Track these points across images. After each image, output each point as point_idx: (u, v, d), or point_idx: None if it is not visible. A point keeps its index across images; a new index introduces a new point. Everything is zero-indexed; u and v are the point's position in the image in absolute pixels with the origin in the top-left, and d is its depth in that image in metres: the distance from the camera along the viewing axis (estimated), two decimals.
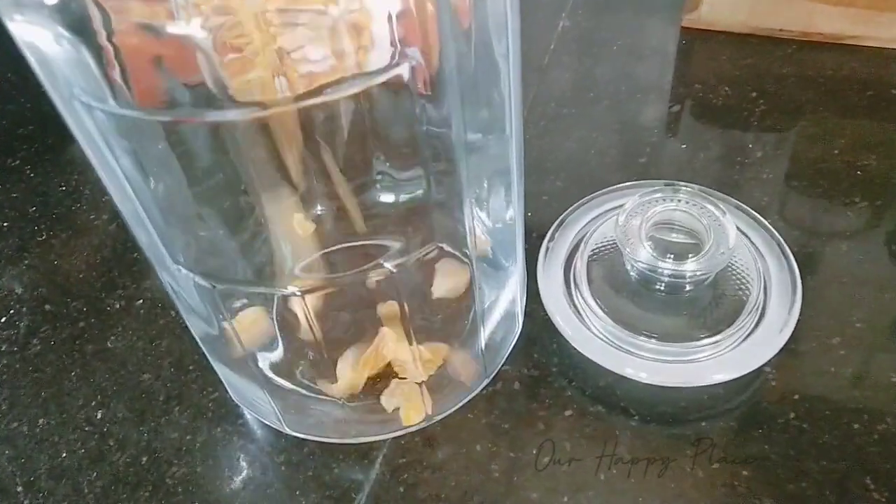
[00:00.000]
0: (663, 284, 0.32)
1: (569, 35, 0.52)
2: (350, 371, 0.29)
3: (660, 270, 0.31)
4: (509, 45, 0.25)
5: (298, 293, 0.23)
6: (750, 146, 0.42)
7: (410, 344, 0.27)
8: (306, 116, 0.29)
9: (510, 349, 0.33)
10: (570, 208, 0.37)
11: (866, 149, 0.41)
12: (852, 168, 0.40)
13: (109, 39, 0.17)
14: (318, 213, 0.33)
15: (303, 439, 0.31)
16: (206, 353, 0.31)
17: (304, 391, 0.30)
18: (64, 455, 0.32)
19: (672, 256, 0.32)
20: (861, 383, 0.31)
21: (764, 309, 0.32)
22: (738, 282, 0.33)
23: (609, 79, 0.48)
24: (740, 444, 0.30)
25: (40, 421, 0.34)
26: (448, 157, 0.25)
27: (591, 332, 0.32)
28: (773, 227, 0.35)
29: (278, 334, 0.28)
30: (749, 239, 0.34)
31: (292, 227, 0.26)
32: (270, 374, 0.29)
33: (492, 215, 0.30)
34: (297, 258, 0.25)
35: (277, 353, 0.29)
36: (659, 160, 0.42)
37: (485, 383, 0.32)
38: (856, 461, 0.29)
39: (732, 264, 0.33)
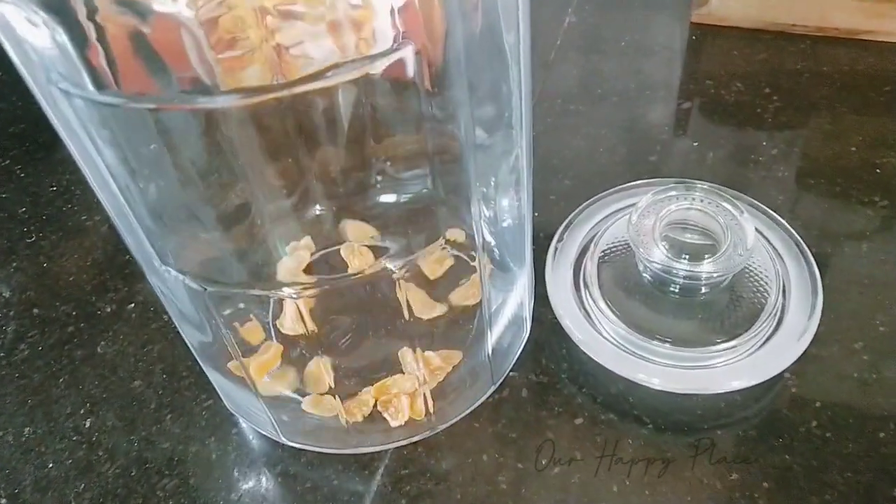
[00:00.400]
0: (678, 286, 0.31)
1: (575, 31, 0.50)
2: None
3: (674, 271, 0.30)
4: (520, 36, 0.23)
5: (294, 296, 0.21)
6: (764, 144, 0.41)
7: (414, 350, 0.26)
8: (305, 112, 0.28)
9: (517, 355, 0.32)
10: (579, 208, 0.36)
11: (885, 146, 0.40)
12: (871, 166, 0.39)
13: (90, 18, 0.16)
14: (317, 213, 0.32)
15: (300, 449, 0.30)
16: (197, 358, 0.29)
17: (301, 399, 0.28)
18: (50, 465, 0.31)
19: (687, 257, 0.30)
20: (886, 389, 0.30)
21: (783, 313, 0.31)
22: (755, 284, 0.31)
23: (617, 75, 0.46)
24: (760, 454, 0.29)
25: (26, 430, 0.32)
26: (453, 155, 0.24)
27: (601, 337, 0.31)
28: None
29: (274, 340, 0.26)
30: (766, 239, 0.33)
31: (289, 227, 0.25)
32: (266, 382, 0.28)
33: (499, 215, 0.29)
34: (293, 259, 0.24)
35: (271, 358, 0.27)
36: (670, 158, 0.41)
37: (491, 390, 0.30)
38: (882, 471, 0.28)
39: (750, 266, 0.32)
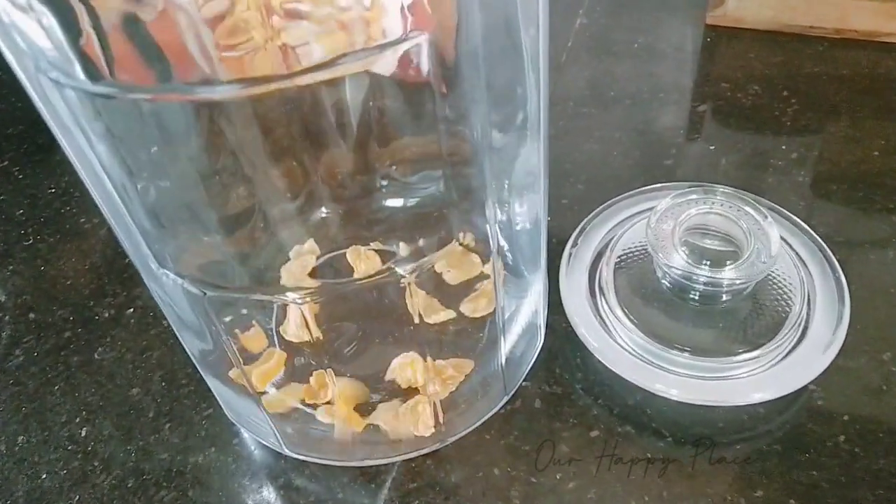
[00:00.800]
0: (698, 293, 0.30)
1: (587, 32, 0.49)
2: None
3: (695, 278, 0.29)
4: (540, 32, 0.22)
5: (299, 301, 0.20)
6: (783, 147, 0.39)
7: (424, 359, 0.25)
8: (312, 113, 0.27)
9: (531, 364, 0.31)
10: (594, 212, 0.34)
11: None
12: (893, 171, 0.37)
13: (82, 0, 0.14)
14: (323, 215, 0.30)
15: (304, 461, 0.29)
16: (197, 366, 0.28)
17: (305, 409, 0.27)
18: (44, 476, 0.30)
19: (708, 263, 0.29)
20: None
21: (808, 323, 0.30)
22: (778, 292, 0.30)
23: (630, 77, 0.45)
24: (785, 469, 0.27)
25: (20, 439, 0.31)
26: (466, 158, 0.23)
27: (618, 345, 0.30)
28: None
29: (277, 348, 0.25)
30: (789, 245, 0.32)
31: (293, 231, 0.24)
32: (268, 391, 0.27)
33: (513, 219, 0.28)
34: (297, 263, 0.23)
35: (273, 367, 0.26)
36: (686, 162, 0.40)
37: (504, 401, 0.29)
38: None
39: (773, 273, 0.30)
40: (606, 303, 0.31)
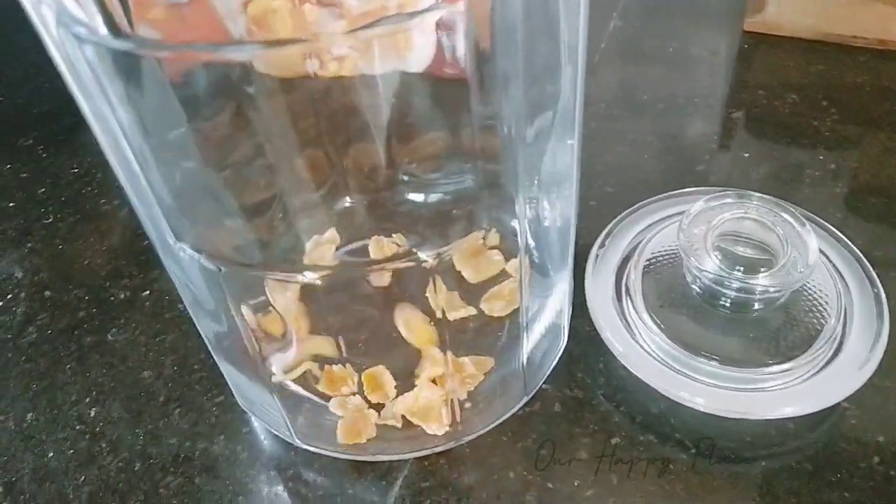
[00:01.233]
0: (729, 300, 0.29)
1: (620, 35, 0.48)
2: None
3: (727, 283, 0.28)
4: (580, 25, 0.21)
5: (318, 282, 0.19)
6: (820, 158, 0.38)
7: (444, 353, 0.24)
8: (343, 104, 0.26)
9: (552, 367, 0.30)
10: (623, 213, 0.33)
11: None
12: None
13: None
14: (346, 205, 0.30)
15: (315, 453, 0.28)
16: (211, 351, 0.28)
17: (318, 399, 0.26)
18: (51, 455, 0.29)
19: (741, 269, 0.28)
20: None
21: (843, 338, 0.28)
22: (813, 304, 0.29)
23: (663, 81, 0.44)
24: (815, 489, 0.26)
25: (28, 416, 0.31)
26: (496, 153, 0.22)
27: (643, 351, 0.28)
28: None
29: (292, 333, 0.24)
30: (826, 257, 0.30)
31: (315, 220, 0.23)
32: (282, 379, 0.26)
33: (541, 216, 0.27)
34: (317, 251, 0.22)
35: (290, 355, 0.25)
36: (719, 168, 0.38)
37: (523, 402, 0.28)
38: None
39: (808, 284, 0.29)
40: (633, 307, 0.30)
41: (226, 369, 0.28)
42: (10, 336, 0.34)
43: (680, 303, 0.29)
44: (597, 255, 0.32)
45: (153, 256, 0.37)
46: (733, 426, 0.28)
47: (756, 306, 0.29)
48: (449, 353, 0.24)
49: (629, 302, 0.30)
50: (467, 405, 0.27)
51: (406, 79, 0.24)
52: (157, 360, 0.32)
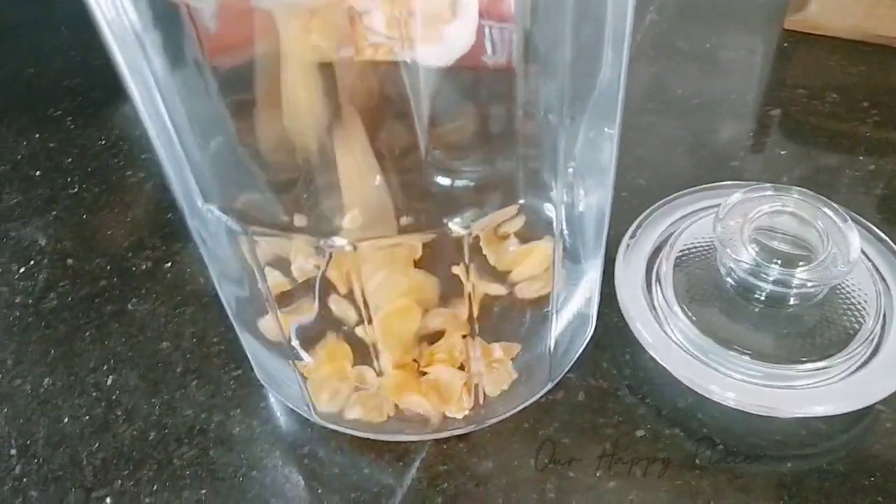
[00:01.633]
0: (764, 294, 0.28)
1: (656, 29, 0.48)
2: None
3: (764, 276, 0.27)
4: (627, 15, 0.21)
5: (350, 247, 0.19)
6: (860, 159, 0.37)
7: (472, 336, 0.23)
8: (378, 89, 0.26)
9: (577, 355, 0.29)
10: (656, 205, 0.33)
11: None
12: None
13: None
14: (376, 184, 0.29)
15: (332, 431, 0.27)
16: (233, 320, 0.27)
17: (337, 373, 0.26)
18: (66, 420, 0.29)
19: (779, 262, 0.27)
20: None
21: (881, 340, 0.27)
22: (851, 303, 0.28)
23: (699, 76, 0.43)
24: (847, 492, 0.25)
25: (45, 381, 0.30)
26: (531, 138, 0.22)
27: (672, 342, 0.28)
28: None
29: (317, 302, 0.24)
30: (866, 256, 0.29)
31: (354, 168, 0.22)
32: (304, 352, 0.26)
33: (576, 201, 0.26)
34: (352, 206, 0.21)
35: (314, 327, 0.25)
36: (753, 165, 0.38)
37: (547, 389, 0.28)
38: None
39: (846, 282, 0.28)
40: (664, 298, 0.29)
41: (246, 340, 0.27)
42: (30, 301, 0.34)
43: (712, 295, 0.29)
44: (627, 245, 0.31)
45: (177, 229, 0.36)
46: (763, 424, 0.27)
47: (791, 301, 0.28)
48: (478, 338, 0.24)
49: (659, 293, 0.29)
50: (489, 388, 0.26)
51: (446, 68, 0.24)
52: (177, 332, 0.32)
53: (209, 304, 0.32)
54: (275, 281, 0.22)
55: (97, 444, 0.28)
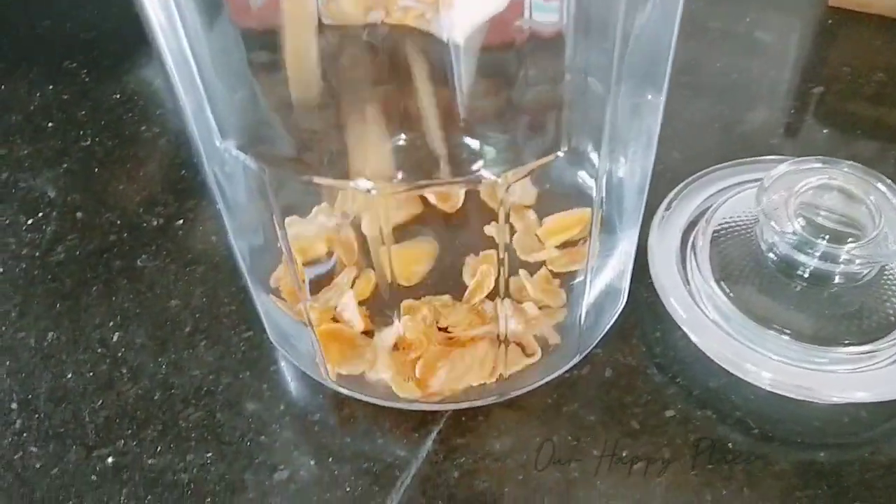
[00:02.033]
0: (808, 271, 0.26)
1: (694, 4, 0.46)
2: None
3: (809, 251, 0.25)
4: None
5: (374, 191, 0.18)
6: None
7: (502, 297, 0.22)
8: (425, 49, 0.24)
9: (606, 330, 0.27)
10: (693, 177, 0.31)
11: None
12: None
13: None
14: (401, 143, 0.28)
15: (346, 397, 0.26)
16: (246, 275, 0.26)
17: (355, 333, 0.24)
18: (69, 376, 0.28)
19: (826, 237, 0.25)
20: None
21: None
22: None
23: (740, 51, 0.41)
24: (891, 486, 0.24)
25: (49, 335, 0.29)
26: (572, 107, 0.20)
27: (707, 319, 0.26)
28: None
29: (336, 254, 0.22)
30: None
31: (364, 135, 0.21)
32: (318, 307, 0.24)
33: (614, 171, 0.25)
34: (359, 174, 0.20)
35: (330, 280, 0.23)
36: (794, 142, 0.36)
37: (574, 362, 0.26)
38: None
39: (894, 265, 0.27)
40: (700, 273, 0.27)
41: (259, 297, 0.26)
42: (37, 254, 0.32)
43: (751, 272, 0.27)
44: (662, 217, 0.29)
45: (190, 186, 0.35)
46: (800, 409, 0.26)
47: (836, 280, 0.26)
48: (506, 300, 0.22)
49: (695, 268, 0.27)
50: (515, 356, 0.25)
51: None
52: (186, 290, 0.30)
53: (221, 263, 0.31)
54: (293, 232, 0.21)
55: (100, 402, 0.27)
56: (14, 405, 0.27)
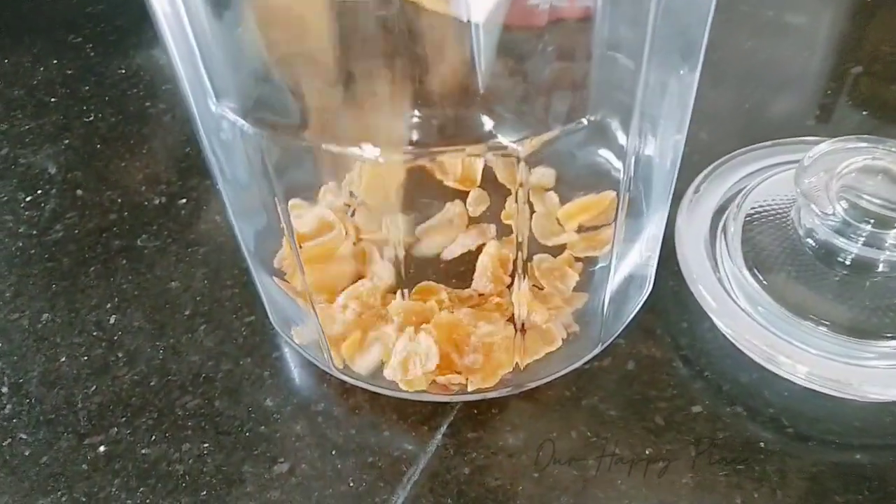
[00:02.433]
0: (850, 259, 0.24)
1: None
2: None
3: (853, 236, 0.23)
4: None
5: (381, 159, 0.16)
6: None
7: (518, 277, 0.20)
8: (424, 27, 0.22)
9: (628, 320, 0.26)
10: (723, 158, 0.29)
11: None
12: None
13: None
14: (415, 120, 0.26)
15: (352, 387, 0.25)
16: (246, 255, 0.24)
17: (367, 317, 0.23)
18: (63, 360, 0.27)
19: (871, 221, 0.24)
20: None
21: None
22: None
23: (772, 28, 0.39)
24: None
25: (44, 316, 0.28)
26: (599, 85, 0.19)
27: (738, 308, 0.24)
28: None
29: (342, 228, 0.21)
30: None
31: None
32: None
33: (642, 150, 0.23)
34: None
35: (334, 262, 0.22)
36: (831, 124, 0.34)
37: (594, 353, 0.24)
38: None
39: None
40: (731, 259, 0.25)
41: (261, 279, 0.24)
42: (34, 232, 0.31)
43: (787, 259, 0.25)
44: (691, 201, 0.27)
45: (195, 164, 0.34)
46: (838, 408, 0.24)
47: (880, 268, 0.24)
48: (527, 280, 0.21)
49: (726, 254, 0.26)
50: (532, 346, 0.23)
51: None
52: (187, 272, 0.29)
53: (224, 244, 0.30)
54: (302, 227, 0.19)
55: (94, 388, 0.26)
56: (5, 388, 0.26)
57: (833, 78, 0.37)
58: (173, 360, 0.26)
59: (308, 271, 0.21)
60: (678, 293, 0.27)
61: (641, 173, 0.23)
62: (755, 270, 0.25)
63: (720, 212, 0.27)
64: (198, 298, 0.28)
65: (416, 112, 0.26)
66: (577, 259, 0.25)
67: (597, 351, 0.24)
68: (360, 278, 0.23)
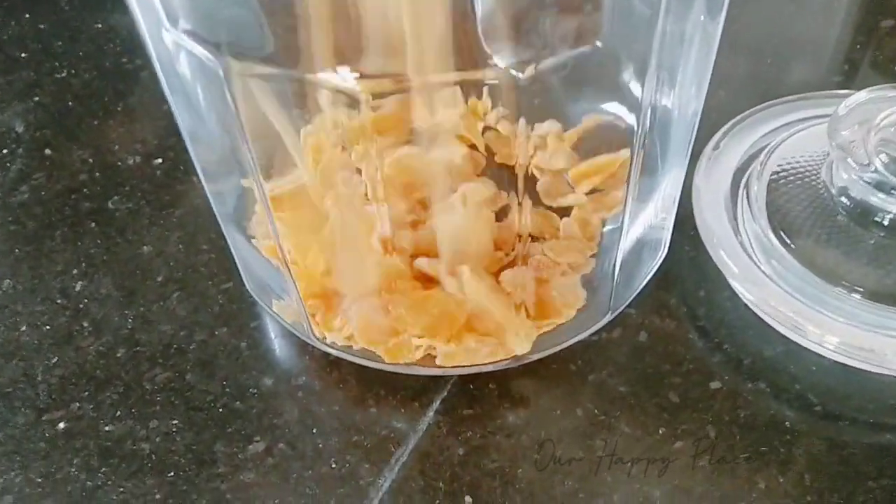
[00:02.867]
0: (888, 219, 0.22)
1: None
2: None
3: (894, 193, 0.21)
4: None
5: (357, 90, 0.14)
6: None
7: (521, 238, 0.18)
8: None
9: (640, 288, 0.23)
10: (745, 112, 0.27)
11: None
12: None
13: None
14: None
15: (336, 359, 0.22)
16: (218, 218, 0.22)
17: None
18: (23, 329, 0.24)
19: None
20: None
21: None
22: None
23: None
24: None
25: (5, 283, 0.26)
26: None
27: (762, 273, 0.22)
28: None
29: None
30: None
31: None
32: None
33: (658, 102, 0.21)
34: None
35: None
36: (860, 81, 0.31)
37: (603, 322, 0.22)
38: None
39: None
40: (754, 221, 0.23)
41: (234, 240, 0.22)
42: None
43: (818, 221, 0.23)
44: (710, 158, 0.25)
45: (171, 123, 0.31)
46: (871, 382, 0.22)
47: None
48: (526, 242, 0.18)
49: (748, 216, 0.23)
50: (535, 314, 0.21)
51: None
52: (161, 235, 0.27)
53: (201, 206, 0.27)
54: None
55: (56, 359, 0.24)
56: None
57: (862, 32, 0.34)
58: (143, 330, 0.24)
59: (280, 223, 0.18)
60: (695, 258, 0.25)
61: (658, 126, 0.21)
62: (781, 233, 0.23)
63: (742, 170, 0.25)
64: (171, 264, 0.26)
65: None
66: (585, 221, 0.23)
67: (606, 321, 0.22)
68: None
